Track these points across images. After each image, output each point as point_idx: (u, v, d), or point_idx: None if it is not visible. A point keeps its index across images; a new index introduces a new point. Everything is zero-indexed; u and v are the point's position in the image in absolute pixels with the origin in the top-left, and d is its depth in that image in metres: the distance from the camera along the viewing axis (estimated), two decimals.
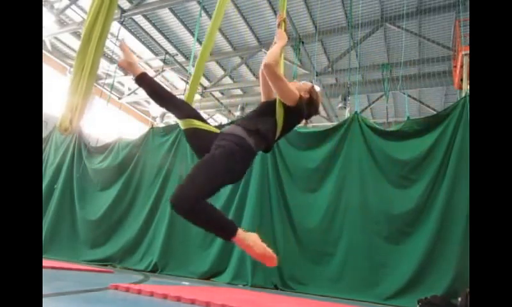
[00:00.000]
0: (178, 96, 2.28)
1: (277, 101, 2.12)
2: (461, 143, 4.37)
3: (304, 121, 2.55)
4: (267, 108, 2.16)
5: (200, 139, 2.07)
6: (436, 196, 4.41)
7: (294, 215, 5.07)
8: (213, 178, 1.84)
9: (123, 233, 6.08)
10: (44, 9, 8.37)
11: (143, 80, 2.27)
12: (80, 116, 4.97)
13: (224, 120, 12.83)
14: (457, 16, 7.09)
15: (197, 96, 11.16)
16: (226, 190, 5.53)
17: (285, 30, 2.36)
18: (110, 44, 8.60)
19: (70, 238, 6.45)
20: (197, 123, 2.07)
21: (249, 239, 1.78)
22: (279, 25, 2.37)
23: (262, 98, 2.35)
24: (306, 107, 2.22)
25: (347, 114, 8.24)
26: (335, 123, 5.53)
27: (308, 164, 5.17)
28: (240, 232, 1.78)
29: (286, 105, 2.10)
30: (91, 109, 5.11)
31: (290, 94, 2.11)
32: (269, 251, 1.81)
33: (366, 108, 10.64)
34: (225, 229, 1.79)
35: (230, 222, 1.81)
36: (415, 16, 7.80)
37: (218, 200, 5.52)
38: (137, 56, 10.69)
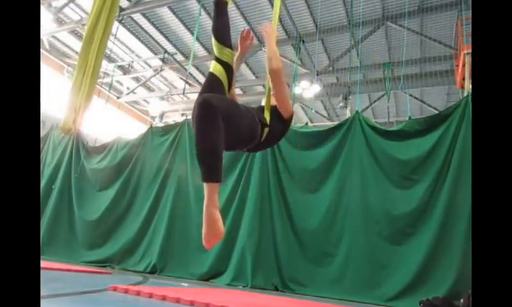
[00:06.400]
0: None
1: (266, 108, 2.11)
2: (463, 143, 4.35)
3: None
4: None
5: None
6: (438, 196, 4.39)
7: (295, 215, 5.06)
8: (237, 117, 1.85)
9: (121, 233, 6.07)
10: (42, 8, 8.35)
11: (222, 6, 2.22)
12: (83, 116, 4.98)
13: None
14: (459, 14, 7.08)
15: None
16: (226, 190, 5.51)
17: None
18: (109, 43, 8.57)
19: (68, 239, 6.43)
20: (222, 75, 2.09)
21: (213, 210, 1.64)
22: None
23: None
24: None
25: (348, 113, 8.23)
26: (336, 123, 5.51)
27: (309, 164, 5.15)
28: (216, 191, 1.64)
29: (275, 115, 2.11)
30: (92, 108, 5.09)
31: (289, 105, 2.12)
32: (217, 231, 1.65)
33: (367, 107, 10.63)
34: (212, 166, 1.65)
35: (219, 169, 1.69)
36: (416, 15, 7.79)
37: (218, 200, 5.51)
38: (136, 55, 10.69)
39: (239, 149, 2.16)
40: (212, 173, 1.66)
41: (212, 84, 2.09)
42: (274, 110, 2.15)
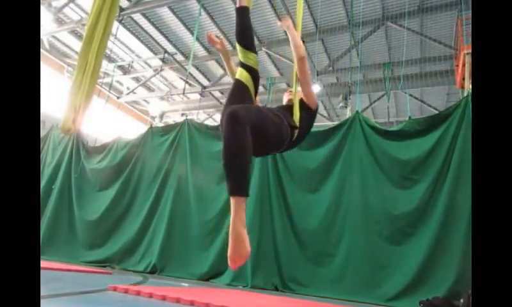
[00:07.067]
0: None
1: (294, 106, 2.11)
2: (463, 143, 4.35)
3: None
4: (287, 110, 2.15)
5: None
6: (438, 196, 4.39)
7: (295, 215, 5.06)
8: (266, 123, 1.84)
9: (121, 233, 6.07)
10: (42, 8, 8.35)
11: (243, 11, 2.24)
12: (83, 116, 4.95)
13: None
14: (459, 14, 7.08)
15: (196, 96, 11.19)
16: (225, 191, 5.51)
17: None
18: (109, 43, 8.57)
19: (68, 239, 6.43)
20: (246, 78, 2.11)
21: (241, 228, 1.55)
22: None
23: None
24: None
25: (348, 113, 8.23)
26: (336, 123, 5.51)
27: (309, 164, 5.15)
28: (243, 207, 1.56)
29: (303, 109, 2.11)
30: (92, 108, 5.07)
31: (314, 94, 2.13)
32: (243, 251, 1.57)
33: (367, 107, 10.63)
34: (240, 179, 1.59)
35: (248, 182, 1.63)
36: (416, 15, 7.79)
37: (218, 200, 5.52)
38: (136, 55, 10.69)
39: (270, 154, 2.17)
40: (240, 186, 1.60)
41: (239, 91, 2.10)
42: (300, 105, 2.15)
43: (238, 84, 2.12)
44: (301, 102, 2.19)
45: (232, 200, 1.58)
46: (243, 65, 2.13)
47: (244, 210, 1.58)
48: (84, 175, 6.83)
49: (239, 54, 2.16)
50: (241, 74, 2.13)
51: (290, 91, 2.36)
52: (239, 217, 1.56)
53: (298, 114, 2.10)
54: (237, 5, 2.25)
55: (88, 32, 4.96)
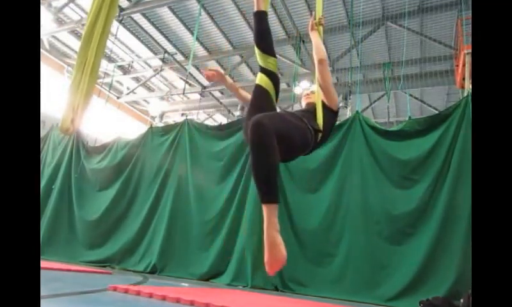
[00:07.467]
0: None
1: (317, 108, 2.11)
2: (463, 143, 4.35)
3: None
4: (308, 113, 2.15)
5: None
6: (438, 196, 4.39)
7: (295, 215, 5.05)
8: (290, 129, 1.85)
9: (121, 233, 6.06)
10: (42, 8, 8.35)
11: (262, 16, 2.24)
12: (82, 115, 4.93)
13: (224, 120, 12.83)
14: (459, 14, 7.08)
15: (196, 96, 11.19)
16: (226, 190, 5.51)
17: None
18: (109, 43, 8.57)
19: (68, 239, 6.43)
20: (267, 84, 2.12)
21: (275, 234, 1.57)
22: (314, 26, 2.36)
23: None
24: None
25: (348, 113, 8.23)
26: (336, 123, 5.50)
27: (309, 164, 5.15)
28: (275, 213, 1.59)
29: (325, 111, 2.11)
30: (91, 108, 5.06)
31: (335, 95, 2.13)
32: (279, 256, 1.56)
33: (367, 107, 10.63)
34: (271, 187, 1.62)
35: (277, 189, 1.66)
36: (416, 15, 7.79)
37: (218, 200, 5.52)
38: (136, 55, 10.68)
39: (296, 158, 2.15)
40: (271, 194, 1.63)
41: (260, 97, 2.10)
42: (322, 108, 2.14)
43: (259, 89, 2.12)
44: (323, 104, 2.18)
45: (264, 208, 1.61)
46: (263, 70, 2.12)
47: (276, 216, 1.61)
48: (84, 175, 6.83)
49: (258, 59, 2.15)
50: (261, 79, 2.12)
51: (308, 95, 2.35)
52: (272, 223, 1.58)
53: (321, 117, 2.09)
54: (255, 9, 2.24)
55: (86, 31, 4.94)
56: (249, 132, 1.66)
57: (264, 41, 2.18)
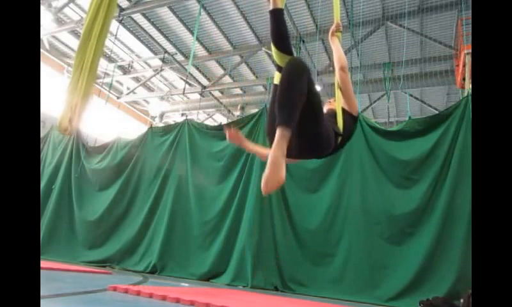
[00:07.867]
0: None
1: (338, 113, 2.15)
2: (463, 143, 4.36)
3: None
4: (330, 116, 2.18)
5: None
6: (438, 196, 4.39)
7: (295, 215, 5.06)
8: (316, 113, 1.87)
9: (121, 233, 6.07)
10: (42, 8, 8.35)
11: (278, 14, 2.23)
12: (80, 115, 4.90)
13: (224, 120, 12.83)
14: (460, 14, 7.09)
15: (196, 96, 11.19)
16: (226, 190, 5.51)
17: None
18: (109, 43, 8.58)
19: (68, 239, 6.44)
20: None
21: (280, 155, 1.59)
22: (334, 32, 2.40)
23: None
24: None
25: None
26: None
27: (309, 164, 5.15)
28: (286, 140, 1.62)
29: (346, 116, 2.15)
30: (91, 108, 5.04)
31: (355, 101, 2.15)
32: (278, 177, 1.58)
33: (367, 107, 10.64)
34: (290, 113, 1.67)
35: (296, 121, 1.69)
36: (416, 15, 7.79)
37: (218, 201, 5.52)
38: (136, 55, 10.68)
39: (314, 157, 2.16)
40: (289, 118, 1.67)
41: None
42: (343, 113, 2.17)
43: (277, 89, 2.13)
44: (343, 109, 2.22)
45: (278, 131, 1.64)
46: (280, 69, 2.12)
47: (286, 143, 1.63)
48: (84, 175, 6.83)
49: (275, 57, 2.14)
50: (278, 78, 2.13)
51: (330, 102, 2.38)
52: (280, 146, 1.62)
53: (341, 122, 2.13)
54: (271, 7, 2.20)
55: (85, 30, 4.91)
56: (289, 63, 1.78)
57: (281, 40, 2.16)
